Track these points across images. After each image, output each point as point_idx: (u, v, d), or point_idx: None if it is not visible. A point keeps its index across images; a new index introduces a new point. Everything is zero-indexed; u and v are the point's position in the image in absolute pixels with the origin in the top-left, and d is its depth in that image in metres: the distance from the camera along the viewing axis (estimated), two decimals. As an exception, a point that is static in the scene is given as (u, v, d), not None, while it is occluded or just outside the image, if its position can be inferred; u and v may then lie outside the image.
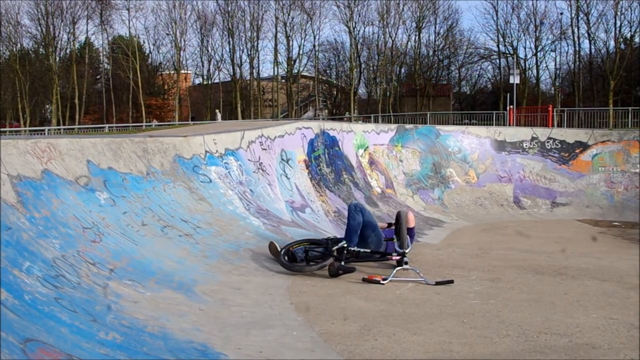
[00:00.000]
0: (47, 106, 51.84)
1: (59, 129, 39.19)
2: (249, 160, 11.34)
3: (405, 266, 7.30)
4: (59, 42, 48.84)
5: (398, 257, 7.46)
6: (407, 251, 7.49)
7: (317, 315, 5.58)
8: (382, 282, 6.80)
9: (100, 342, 4.11)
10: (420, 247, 9.63)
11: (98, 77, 55.98)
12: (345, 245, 7.50)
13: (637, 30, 43.61)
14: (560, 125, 28.63)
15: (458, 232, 14.56)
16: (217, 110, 45.30)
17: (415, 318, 5.58)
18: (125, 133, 20.37)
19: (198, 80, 57.37)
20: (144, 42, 54.92)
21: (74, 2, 48.25)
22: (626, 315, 5.72)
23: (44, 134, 30.85)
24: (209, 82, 53.77)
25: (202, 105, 53.55)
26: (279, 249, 7.51)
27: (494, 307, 5.95)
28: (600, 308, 5.96)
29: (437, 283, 6.85)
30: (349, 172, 16.17)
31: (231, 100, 52.14)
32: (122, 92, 50.80)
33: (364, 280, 6.87)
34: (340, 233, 9.61)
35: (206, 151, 10.12)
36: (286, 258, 7.37)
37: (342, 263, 7.23)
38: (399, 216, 7.80)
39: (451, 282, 6.90)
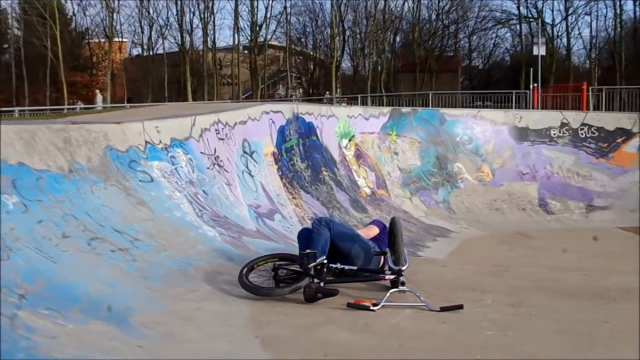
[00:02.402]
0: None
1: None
2: (201, 153, 11.27)
3: (401, 288, 7.30)
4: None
5: (392, 277, 7.45)
6: (404, 268, 7.49)
7: (289, 352, 5.55)
8: (372, 308, 6.79)
9: (7, 391, 4.03)
10: (421, 264, 9.65)
11: (5, 46, 55.32)
12: (326, 261, 7.47)
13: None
14: (597, 108, 28.88)
15: (469, 244, 14.62)
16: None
17: (416, 354, 5.56)
18: (42, 118, 20.13)
19: (136, 51, 57.10)
20: (66, 0, 54.43)
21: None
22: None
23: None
24: (151, 53, 53.48)
25: (142, 83, 53.26)
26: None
27: (515, 340, 5.96)
28: (650, 340, 5.99)
29: (443, 309, 6.85)
30: (329, 168, 16.16)
31: (179, 76, 51.92)
32: (37, 66, 50.16)
33: (350, 305, 6.86)
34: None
35: (146, 142, 10.04)
36: (249, 279, 7.33)
37: (322, 284, 7.20)
38: (393, 224, 7.80)
39: (460, 307, 6.91)
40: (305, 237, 7.86)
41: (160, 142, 10.39)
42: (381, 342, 5.85)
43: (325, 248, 7.69)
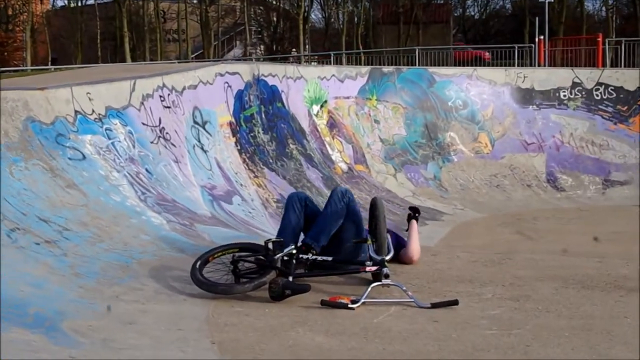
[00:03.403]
0: None
1: None
2: (143, 124, 11.21)
3: (385, 281, 7.29)
4: None
5: (374, 268, 7.46)
6: (387, 258, 7.48)
7: (252, 360, 5.56)
8: (350, 305, 6.80)
9: None
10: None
11: None
12: (294, 251, 7.49)
13: None
14: (615, 64, 29.08)
15: (464, 228, 14.70)
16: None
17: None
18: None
19: (62, 1, 56.47)
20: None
21: None
22: None
23: None
24: (79, 4, 52.91)
25: (69, 41, 52.71)
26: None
27: (520, 340, 5.94)
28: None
29: (434, 305, 6.84)
30: (298, 140, 16.14)
31: (114, 31, 51.47)
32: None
33: (324, 303, 6.85)
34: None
35: (76, 112, 9.96)
36: (203, 274, 7.32)
37: (290, 279, 7.22)
38: (374, 206, 7.81)
39: (455, 303, 6.89)
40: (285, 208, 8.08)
41: (93, 111, 10.31)
42: (361, 346, 5.82)
43: (295, 235, 7.73)
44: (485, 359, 5.58)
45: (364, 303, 6.85)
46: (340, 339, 6.02)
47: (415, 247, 8.69)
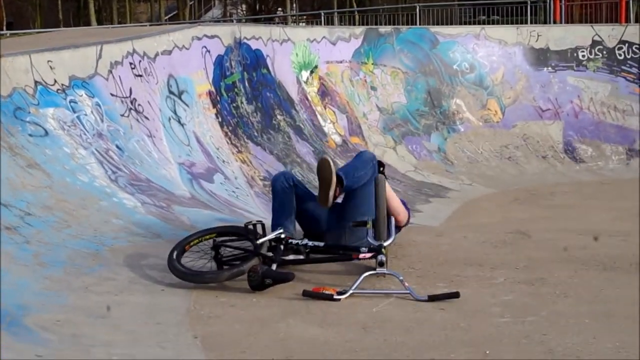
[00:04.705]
0: None
1: None
2: (112, 95, 11.20)
3: (380, 270, 7.26)
4: None
5: (369, 255, 7.41)
6: (385, 244, 7.43)
7: (239, 357, 5.54)
8: (336, 297, 6.81)
9: None
10: (411, 233, 9.65)
11: None
12: (283, 235, 7.50)
13: None
14: None
15: (472, 206, 14.74)
16: None
17: (405, 352, 5.59)
18: None
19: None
20: None
21: None
22: None
23: None
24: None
25: (26, 3, 52.44)
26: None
27: (536, 328, 6.00)
28: None
29: (431, 298, 6.79)
30: (285, 110, 16.13)
31: (77, -9, 51.21)
32: None
33: (306, 294, 6.86)
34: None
35: (36, 82, 9.94)
36: (182, 262, 7.33)
37: (274, 266, 7.22)
38: (375, 184, 7.80)
39: (456, 295, 6.81)
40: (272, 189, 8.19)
41: (56, 82, 10.28)
42: (360, 338, 5.87)
43: (292, 220, 7.75)
44: (497, 350, 5.58)
45: (353, 294, 6.83)
46: (337, 330, 6.05)
47: (397, 206, 8.36)
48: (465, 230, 10.47)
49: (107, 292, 6.74)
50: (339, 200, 7.99)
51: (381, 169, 8.29)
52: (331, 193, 7.59)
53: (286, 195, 7.96)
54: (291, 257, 7.59)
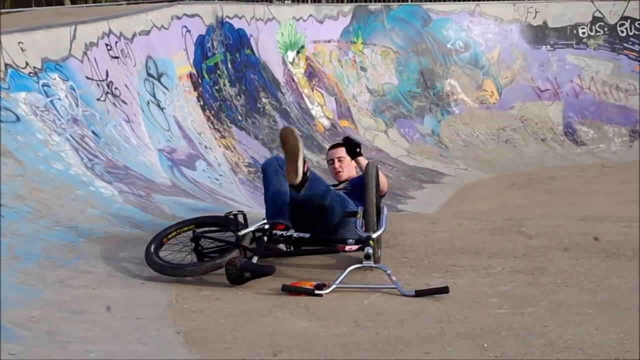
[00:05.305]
0: None
1: None
2: (87, 78, 11.20)
3: (366, 263, 7.24)
4: None
5: (355, 247, 7.40)
6: (374, 236, 7.42)
7: (224, 351, 5.55)
8: (317, 292, 6.79)
9: None
10: (404, 221, 9.74)
11: None
12: (267, 226, 7.48)
13: None
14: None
15: (468, 192, 14.81)
16: None
17: (399, 346, 5.60)
18: None
19: None
20: None
21: None
22: None
23: None
24: None
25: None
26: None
27: (536, 319, 6.05)
28: None
29: (419, 294, 6.76)
30: (271, 92, 16.14)
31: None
32: None
33: (285, 288, 6.86)
34: (259, 201, 9.61)
35: (7, 65, 9.96)
36: (160, 256, 7.31)
37: (255, 259, 7.22)
38: (365, 170, 7.79)
39: (445, 291, 6.76)
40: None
41: (27, 64, 10.29)
42: (351, 331, 5.90)
43: (275, 207, 7.74)
44: (495, 342, 5.61)
45: (337, 289, 6.86)
46: (326, 324, 6.10)
47: (383, 181, 8.46)
48: (461, 218, 10.53)
49: (84, 286, 6.76)
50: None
51: (358, 149, 8.32)
52: (300, 164, 7.43)
53: (280, 181, 7.85)
54: (275, 248, 7.56)
